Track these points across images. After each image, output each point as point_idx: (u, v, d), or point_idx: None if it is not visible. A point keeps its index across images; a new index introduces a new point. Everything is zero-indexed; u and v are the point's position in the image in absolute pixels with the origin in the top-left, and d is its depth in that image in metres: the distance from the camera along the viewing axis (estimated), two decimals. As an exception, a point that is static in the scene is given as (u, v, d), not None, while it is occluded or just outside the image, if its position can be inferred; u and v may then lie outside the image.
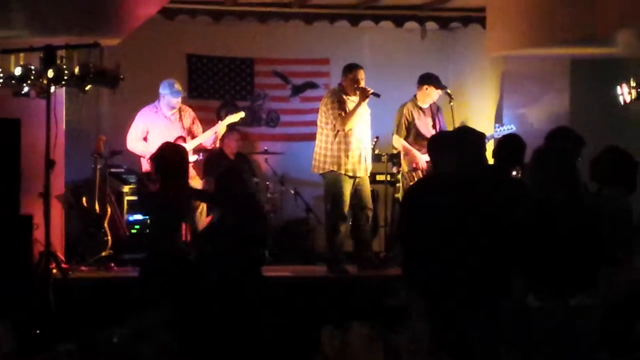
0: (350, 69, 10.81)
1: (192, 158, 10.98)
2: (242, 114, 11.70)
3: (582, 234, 6.11)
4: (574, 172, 6.24)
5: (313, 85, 13.98)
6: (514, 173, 8.60)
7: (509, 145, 8.33)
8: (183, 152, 9.52)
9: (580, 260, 6.07)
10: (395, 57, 13.82)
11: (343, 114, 10.63)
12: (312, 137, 11.25)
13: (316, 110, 12.94)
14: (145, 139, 11.11)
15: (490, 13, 12.57)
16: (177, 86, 11.22)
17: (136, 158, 11.26)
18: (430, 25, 13.57)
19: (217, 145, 11.67)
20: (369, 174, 11.03)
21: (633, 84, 10.14)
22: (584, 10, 10.66)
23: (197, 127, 11.28)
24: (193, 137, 11.18)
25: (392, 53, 13.89)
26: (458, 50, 14.03)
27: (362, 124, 10.77)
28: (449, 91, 11.60)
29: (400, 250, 10.64)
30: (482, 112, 13.25)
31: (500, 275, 6.26)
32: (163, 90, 11.13)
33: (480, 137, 7.22)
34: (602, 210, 6.82)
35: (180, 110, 11.21)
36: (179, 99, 11.15)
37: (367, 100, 10.66)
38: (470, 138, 7.02)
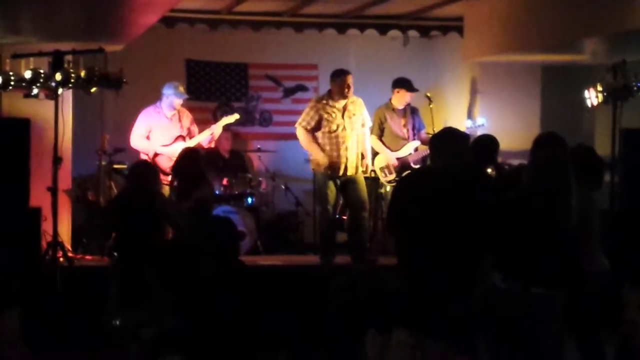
0: (338, 75, 10.66)
1: None
2: (237, 116, 11.69)
3: (553, 235, 6.11)
4: (568, 179, 6.25)
5: (303, 88, 13.98)
6: (489, 170, 8.61)
7: (483, 144, 8.36)
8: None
9: (544, 254, 6.07)
10: (380, 63, 13.81)
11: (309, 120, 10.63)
12: (302, 136, 11.22)
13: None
14: (147, 137, 11.09)
15: (467, 22, 12.63)
16: (181, 89, 11.17)
17: (139, 155, 11.27)
18: (412, 33, 13.58)
19: (213, 145, 11.66)
20: (366, 174, 10.87)
21: (599, 88, 10.15)
22: (554, 20, 10.71)
23: (195, 128, 11.28)
24: (191, 137, 11.17)
25: (377, 59, 13.88)
26: (437, 56, 14.03)
27: (350, 128, 10.67)
28: (428, 94, 11.63)
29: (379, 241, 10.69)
30: (459, 113, 13.27)
31: (478, 261, 6.29)
32: (167, 90, 11.04)
33: (464, 137, 7.26)
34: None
35: (179, 111, 11.19)
36: (181, 101, 11.12)
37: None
38: (455, 138, 7.07)
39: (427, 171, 7.05)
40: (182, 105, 11.19)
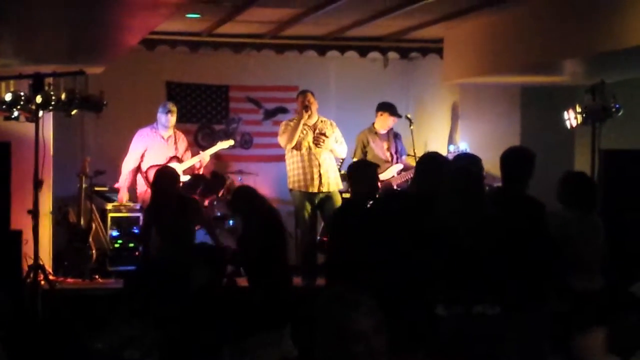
0: (299, 94, 11.01)
1: (184, 178, 11.27)
2: (231, 142, 12.03)
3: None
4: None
5: (284, 110, 13.97)
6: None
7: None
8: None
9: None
10: (360, 85, 13.86)
11: (285, 134, 10.81)
12: (283, 158, 11.28)
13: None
14: (142, 157, 11.21)
15: (447, 44, 12.68)
16: (170, 106, 11.39)
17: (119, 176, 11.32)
18: (392, 55, 13.62)
19: (202, 170, 11.81)
20: (337, 191, 11.02)
21: (579, 109, 10.22)
22: (533, 42, 10.76)
23: (188, 154, 11.59)
24: (184, 160, 11.39)
25: (357, 81, 13.93)
26: (417, 78, 14.09)
27: (322, 147, 10.81)
28: (408, 115, 11.66)
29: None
30: (440, 135, 13.31)
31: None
32: (159, 109, 11.40)
33: (445, 163, 7.34)
34: (569, 229, 6.95)
35: (175, 134, 11.40)
36: (168, 117, 11.27)
37: (305, 118, 10.70)
38: (435, 164, 7.14)
39: (399, 196, 7.10)
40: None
